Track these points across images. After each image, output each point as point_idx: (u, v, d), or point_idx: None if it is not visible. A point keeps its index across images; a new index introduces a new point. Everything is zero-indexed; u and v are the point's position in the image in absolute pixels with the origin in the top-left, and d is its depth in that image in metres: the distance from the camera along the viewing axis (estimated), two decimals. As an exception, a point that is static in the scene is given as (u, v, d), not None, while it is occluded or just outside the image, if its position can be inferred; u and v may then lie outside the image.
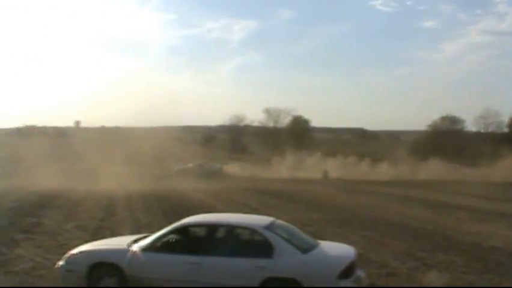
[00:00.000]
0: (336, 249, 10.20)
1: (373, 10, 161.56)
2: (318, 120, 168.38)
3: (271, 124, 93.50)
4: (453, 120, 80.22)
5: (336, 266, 9.20)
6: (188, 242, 10.04)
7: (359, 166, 60.49)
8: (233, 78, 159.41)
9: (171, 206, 24.73)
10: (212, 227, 10.15)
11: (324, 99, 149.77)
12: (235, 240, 10.03)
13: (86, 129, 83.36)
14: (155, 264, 9.64)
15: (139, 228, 17.18)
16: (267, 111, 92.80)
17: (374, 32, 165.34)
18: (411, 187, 41.89)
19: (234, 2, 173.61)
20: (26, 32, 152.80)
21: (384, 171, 57.33)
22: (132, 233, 14.15)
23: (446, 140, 71.43)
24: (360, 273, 9.74)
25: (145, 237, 10.65)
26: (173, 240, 10.09)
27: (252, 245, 9.75)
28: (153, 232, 11.03)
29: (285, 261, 9.19)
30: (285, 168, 59.13)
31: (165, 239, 10.05)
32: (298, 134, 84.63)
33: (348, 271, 9.18)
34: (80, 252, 10.23)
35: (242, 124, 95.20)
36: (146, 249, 9.84)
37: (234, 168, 60.16)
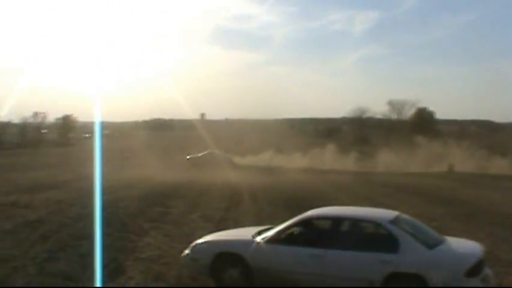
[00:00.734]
0: (463, 246, 9.72)
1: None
2: (443, 112, 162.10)
3: (394, 116, 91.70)
4: None
5: (464, 263, 8.78)
6: (311, 234, 9.94)
7: (485, 159, 57.26)
8: (356, 69, 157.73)
9: (294, 198, 24.56)
10: (336, 220, 9.99)
11: (449, 90, 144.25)
12: (360, 234, 9.88)
13: (211, 122, 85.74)
14: (279, 256, 9.63)
15: (262, 219, 17.16)
16: (391, 103, 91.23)
17: (499, 20, 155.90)
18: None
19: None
20: (150, 30, 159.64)
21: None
22: (255, 224, 14.10)
23: None
24: (487, 271, 9.18)
25: (268, 228, 10.62)
26: (297, 232, 10.06)
27: (377, 239, 9.54)
28: (276, 224, 10.97)
29: (411, 256, 8.88)
30: (410, 161, 57.32)
31: (289, 231, 10.01)
32: (422, 126, 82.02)
33: (476, 269, 8.74)
34: (206, 242, 10.42)
35: (365, 116, 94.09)
36: (270, 240, 9.83)
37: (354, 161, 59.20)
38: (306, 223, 10.17)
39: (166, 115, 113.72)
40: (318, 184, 33.42)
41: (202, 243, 10.41)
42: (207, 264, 9.91)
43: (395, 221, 9.55)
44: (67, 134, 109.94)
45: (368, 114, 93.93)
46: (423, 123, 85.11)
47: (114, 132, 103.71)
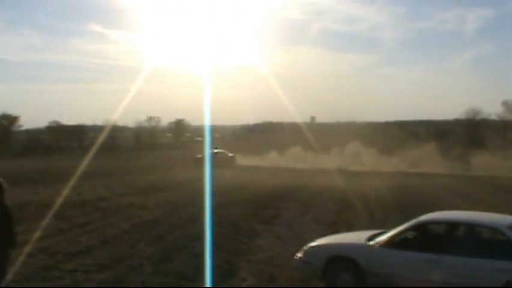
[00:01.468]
0: None
1: None
2: None
3: (510, 117, 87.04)
4: None
5: None
6: (426, 239, 9.62)
7: None
8: (468, 69, 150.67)
9: (407, 202, 23.76)
10: (451, 225, 9.60)
11: None
12: (476, 240, 9.32)
13: (321, 125, 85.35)
14: (392, 260, 9.37)
15: (375, 223, 16.79)
16: (505, 103, 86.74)
17: None
18: None
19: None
20: (258, 34, 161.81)
21: None
22: (368, 228, 13.73)
23: None
24: None
25: (381, 232, 10.35)
26: (411, 237, 9.77)
27: (494, 245, 9.00)
28: (389, 228, 10.66)
29: None
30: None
31: (403, 236, 9.71)
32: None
33: None
34: (318, 245, 10.31)
35: (478, 118, 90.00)
36: (383, 245, 9.57)
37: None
38: (420, 227, 9.83)
39: (275, 118, 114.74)
40: (426, 188, 32.11)
41: (314, 246, 10.30)
42: (319, 267, 9.80)
43: None
44: (179, 137, 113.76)
45: (481, 116, 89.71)
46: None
47: (225, 135, 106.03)
